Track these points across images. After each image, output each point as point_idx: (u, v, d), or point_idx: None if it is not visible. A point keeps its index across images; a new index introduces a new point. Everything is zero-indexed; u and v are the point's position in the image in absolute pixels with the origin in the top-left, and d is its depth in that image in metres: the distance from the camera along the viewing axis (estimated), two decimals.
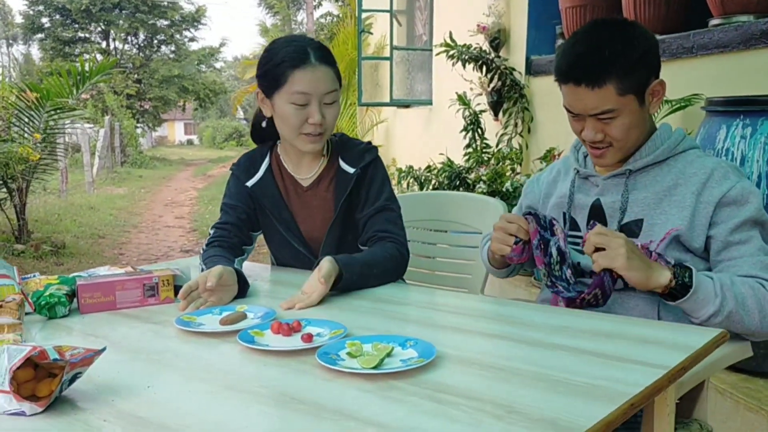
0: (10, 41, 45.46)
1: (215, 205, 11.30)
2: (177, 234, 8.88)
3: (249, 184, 1.80)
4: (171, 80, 24.49)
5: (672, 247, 1.43)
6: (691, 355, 1.09)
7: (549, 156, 3.58)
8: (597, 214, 1.54)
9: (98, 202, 11.13)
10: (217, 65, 30.87)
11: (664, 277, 1.35)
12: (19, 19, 29.27)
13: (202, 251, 1.77)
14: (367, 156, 1.77)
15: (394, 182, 3.70)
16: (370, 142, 1.87)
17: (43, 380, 0.99)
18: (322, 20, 20.69)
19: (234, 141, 33.90)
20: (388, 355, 1.09)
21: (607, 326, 1.26)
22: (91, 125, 16.18)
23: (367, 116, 8.11)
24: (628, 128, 1.45)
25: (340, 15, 12.17)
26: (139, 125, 23.64)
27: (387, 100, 6.35)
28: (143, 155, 21.66)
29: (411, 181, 4.45)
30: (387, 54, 6.43)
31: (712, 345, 1.16)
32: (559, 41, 4.19)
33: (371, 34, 7.17)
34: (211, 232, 1.81)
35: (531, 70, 4.32)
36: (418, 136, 6.36)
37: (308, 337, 1.18)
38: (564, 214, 1.62)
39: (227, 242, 1.76)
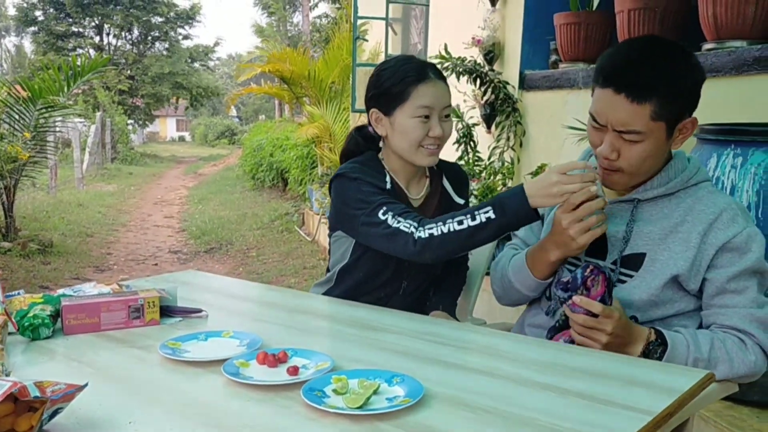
0: (3, 33, 45.06)
1: (205, 205, 11.26)
2: (165, 234, 8.84)
3: (387, 187, 1.72)
4: (164, 77, 24.37)
5: (668, 286, 1.42)
6: (677, 399, 1.09)
7: (540, 172, 3.58)
8: (599, 242, 1.50)
9: (87, 199, 11.06)
10: (211, 64, 30.71)
11: (636, 350, 1.38)
12: (12, 12, 29.01)
13: (424, 231, 1.56)
14: (467, 183, 1.88)
15: None
16: (456, 163, 1.95)
17: (23, 414, 0.97)
18: (318, 21, 20.66)
19: (226, 139, 33.78)
20: (375, 392, 1.08)
21: (595, 364, 1.26)
22: (83, 120, 16.08)
23: (360, 122, 8.10)
24: (646, 157, 1.40)
25: (336, 18, 12.17)
26: (130, 121, 23.52)
27: None
28: (134, 152, 21.54)
29: None
30: (382, 60, 6.42)
31: (698, 387, 1.16)
32: (553, 57, 4.19)
33: (366, 41, 7.16)
34: (408, 219, 1.60)
35: (524, 84, 4.32)
36: None
37: (294, 370, 1.17)
38: None
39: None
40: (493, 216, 1.49)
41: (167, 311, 1.56)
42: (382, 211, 1.62)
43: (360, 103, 7.32)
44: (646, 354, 1.38)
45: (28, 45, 34.35)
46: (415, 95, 1.68)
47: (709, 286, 1.42)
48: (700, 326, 1.47)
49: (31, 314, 1.39)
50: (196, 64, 26.48)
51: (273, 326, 1.49)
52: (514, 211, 1.47)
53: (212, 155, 25.61)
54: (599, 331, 1.36)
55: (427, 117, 1.69)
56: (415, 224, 1.58)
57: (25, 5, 24.66)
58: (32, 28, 25.25)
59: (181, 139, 47.00)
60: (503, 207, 1.49)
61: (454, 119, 4.48)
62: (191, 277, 2.02)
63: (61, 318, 1.44)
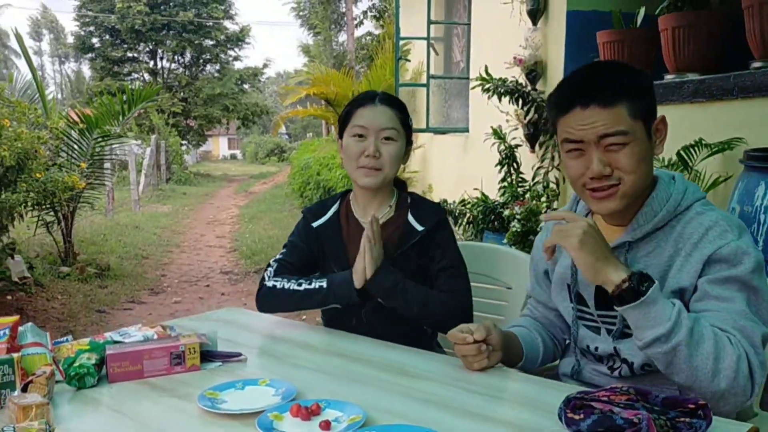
0: (62, 59, 47.05)
1: (255, 224, 11.45)
2: (217, 254, 9.02)
3: (315, 224, 1.93)
4: (215, 99, 24.99)
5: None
6: None
7: None
8: (604, 293, 1.43)
9: (143, 221, 11.38)
10: (260, 84, 31.35)
11: (617, 274, 1.29)
12: (70, 39, 30.25)
13: (271, 281, 1.87)
14: (435, 216, 1.89)
15: None
16: (439, 203, 2.01)
17: None
18: (363, 40, 20.86)
19: (276, 156, 34.36)
20: None
21: None
22: (139, 143, 16.59)
23: None
24: (638, 161, 1.34)
25: (379, 37, 12.29)
26: (184, 142, 24.15)
27: (423, 126, 6.35)
28: (187, 172, 22.09)
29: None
30: (424, 80, 6.45)
31: None
32: None
33: (409, 60, 7.20)
34: (274, 266, 1.92)
35: None
36: (454, 163, 6.35)
37: (326, 425, 1.18)
38: (569, 286, 1.55)
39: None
40: (324, 286, 1.77)
41: (208, 356, 1.59)
42: (280, 253, 1.95)
43: None
44: (630, 281, 1.27)
45: (86, 70, 35.79)
46: (354, 117, 1.85)
47: (696, 292, 1.34)
48: None
49: (77, 363, 1.44)
50: (246, 85, 27.07)
51: (308, 372, 1.51)
52: (341, 293, 1.76)
53: (262, 173, 26.06)
54: (577, 221, 1.33)
55: (362, 136, 1.82)
56: (272, 273, 1.88)
57: (82, 33, 25.67)
58: (90, 55, 26.24)
59: (233, 157, 48.03)
60: (332, 283, 1.77)
61: (496, 140, 4.47)
62: (231, 314, 2.07)
63: (105, 365, 1.49)
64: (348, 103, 1.92)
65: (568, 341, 1.64)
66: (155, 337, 1.69)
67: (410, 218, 1.88)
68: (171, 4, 24.52)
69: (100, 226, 10.08)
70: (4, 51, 39.53)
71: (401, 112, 1.87)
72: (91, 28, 25.53)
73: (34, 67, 7.42)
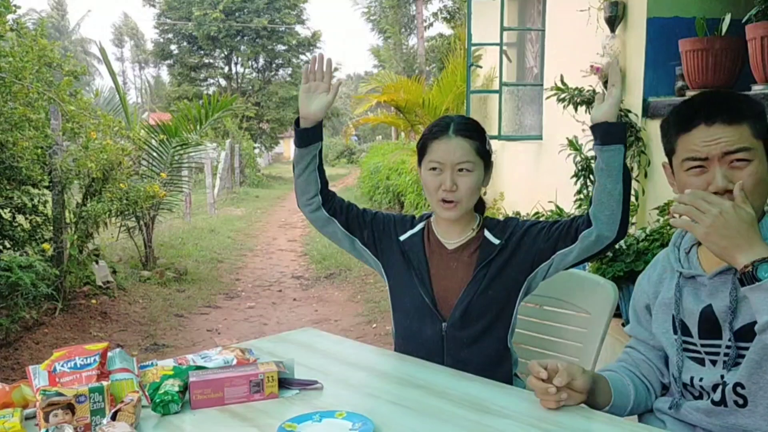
0: (142, 65, 49.01)
1: None
2: (289, 258, 9.19)
3: (401, 238, 1.98)
4: (288, 102, 25.50)
5: None
6: None
7: (666, 209, 3.40)
8: (709, 321, 1.43)
9: (218, 225, 11.70)
10: None
11: (744, 257, 1.28)
12: (150, 46, 31.50)
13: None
14: (509, 224, 1.91)
15: None
16: (508, 217, 2.02)
17: None
18: (433, 42, 20.84)
19: (345, 159, 34.71)
20: None
21: None
22: (215, 146, 17.10)
23: None
24: (759, 180, 1.37)
25: (450, 39, 12.24)
26: (257, 145, 24.73)
27: (495, 133, 6.26)
28: (260, 175, 22.59)
29: None
30: (496, 86, 6.37)
31: None
32: (679, 83, 3.98)
33: (480, 67, 7.12)
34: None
35: (648, 112, 4.13)
36: (526, 171, 6.24)
37: None
38: (673, 317, 1.51)
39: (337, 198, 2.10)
40: None
41: (285, 383, 1.62)
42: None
43: None
44: (753, 266, 1.28)
45: (164, 76, 37.13)
46: (429, 151, 1.86)
47: None
48: None
49: (162, 390, 1.49)
50: None
51: (384, 404, 1.51)
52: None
53: (332, 175, 26.19)
54: (710, 206, 1.31)
55: (437, 170, 1.84)
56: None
57: (161, 40, 26.73)
58: (168, 61, 27.30)
59: None
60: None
61: (572, 152, 4.36)
62: (307, 336, 2.09)
63: (189, 392, 1.53)
64: (423, 133, 1.92)
65: (665, 382, 1.60)
66: (234, 361, 1.73)
67: (486, 233, 1.91)
68: (245, 11, 25.19)
69: (178, 230, 10.41)
70: (86, 58, 41.51)
71: (477, 140, 1.85)
72: (170, 36, 26.55)
73: (118, 81, 7.76)
